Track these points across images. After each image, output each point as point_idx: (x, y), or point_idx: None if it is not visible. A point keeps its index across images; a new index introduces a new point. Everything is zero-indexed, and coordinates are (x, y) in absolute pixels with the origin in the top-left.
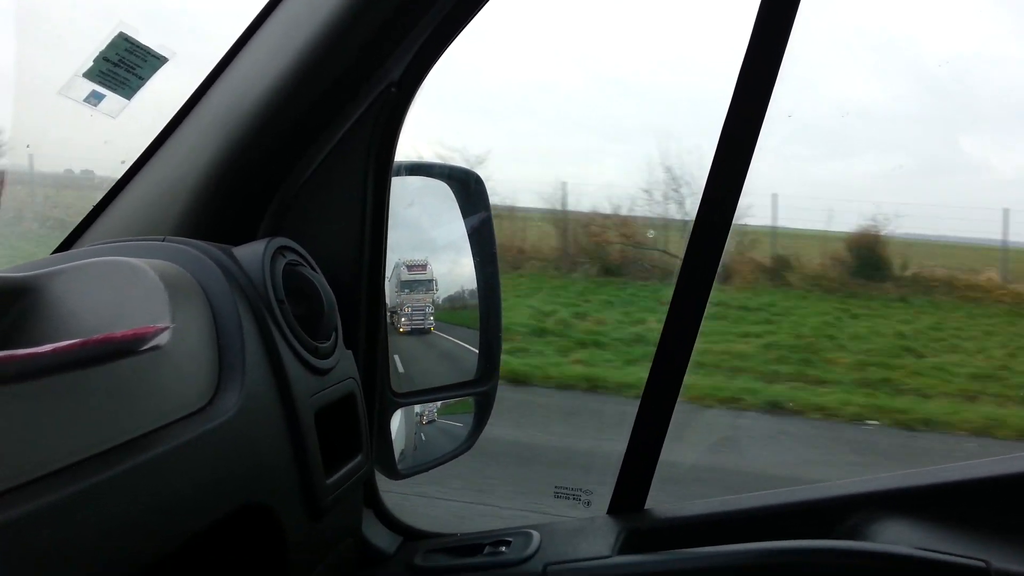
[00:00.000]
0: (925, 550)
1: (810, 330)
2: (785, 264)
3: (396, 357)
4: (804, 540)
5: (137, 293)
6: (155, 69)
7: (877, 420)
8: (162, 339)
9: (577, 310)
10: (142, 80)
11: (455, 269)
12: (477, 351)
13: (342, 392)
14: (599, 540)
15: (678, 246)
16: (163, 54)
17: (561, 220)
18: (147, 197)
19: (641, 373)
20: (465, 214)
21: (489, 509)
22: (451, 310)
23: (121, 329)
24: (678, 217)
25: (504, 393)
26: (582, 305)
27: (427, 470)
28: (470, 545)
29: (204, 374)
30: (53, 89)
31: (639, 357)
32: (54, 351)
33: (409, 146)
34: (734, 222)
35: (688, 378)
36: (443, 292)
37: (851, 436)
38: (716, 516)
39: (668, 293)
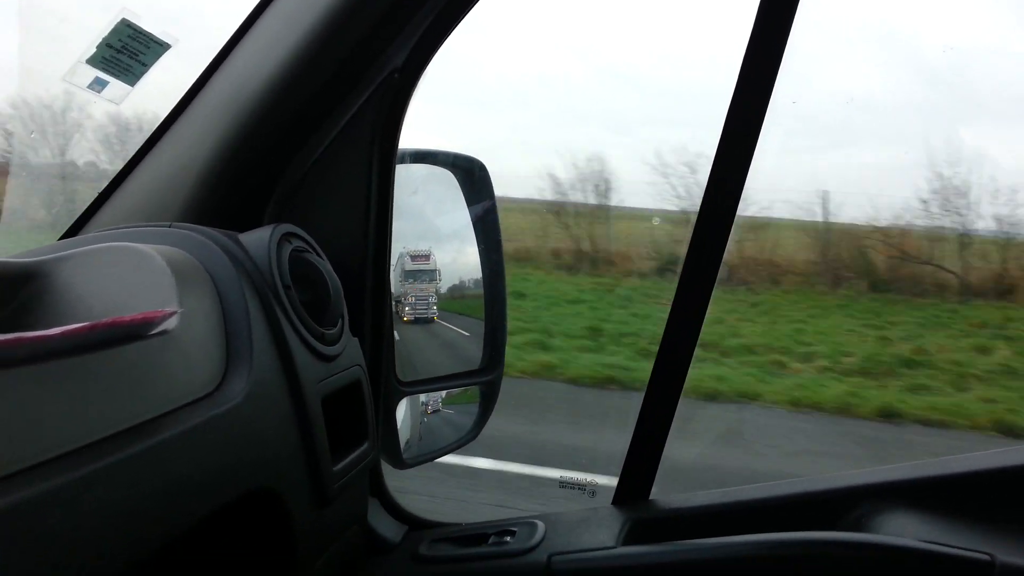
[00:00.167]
0: (929, 542)
1: None
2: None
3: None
4: (809, 532)
5: (144, 279)
6: (158, 55)
7: None
8: (170, 324)
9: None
10: (145, 66)
11: (459, 258)
12: (467, 336)
13: (349, 379)
14: (604, 530)
15: (953, 261)
16: (166, 40)
17: (816, 230)
18: (152, 184)
19: None
20: (470, 202)
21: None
22: (455, 299)
23: (127, 314)
24: (951, 227)
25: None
26: (889, 328)
27: (432, 459)
28: (475, 535)
29: (211, 360)
30: (56, 76)
31: None
32: (63, 334)
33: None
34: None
35: None
36: (447, 281)
37: None
38: (720, 507)
39: (971, 313)
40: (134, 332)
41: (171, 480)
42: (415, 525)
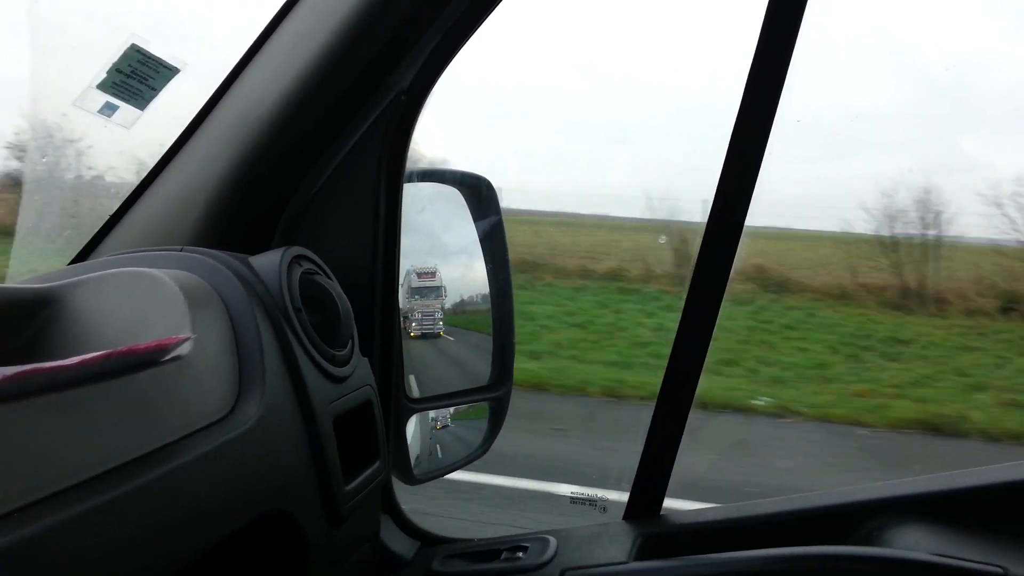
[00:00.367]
0: (942, 556)
1: None
2: None
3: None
4: (820, 546)
5: (158, 304)
6: (167, 80)
7: None
8: (183, 350)
9: None
10: (155, 91)
11: (468, 275)
12: (475, 352)
13: (360, 399)
14: (615, 546)
15: None
16: (175, 65)
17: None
18: (162, 207)
19: None
20: (477, 220)
21: None
22: (463, 316)
23: (142, 339)
24: None
25: None
26: None
27: (443, 475)
28: (487, 550)
29: (224, 384)
30: (68, 99)
31: None
32: (80, 363)
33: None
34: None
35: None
36: (455, 298)
37: None
38: (732, 522)
39: None
40: (149, 359)
41: (187, 506)
42: (427, 541)
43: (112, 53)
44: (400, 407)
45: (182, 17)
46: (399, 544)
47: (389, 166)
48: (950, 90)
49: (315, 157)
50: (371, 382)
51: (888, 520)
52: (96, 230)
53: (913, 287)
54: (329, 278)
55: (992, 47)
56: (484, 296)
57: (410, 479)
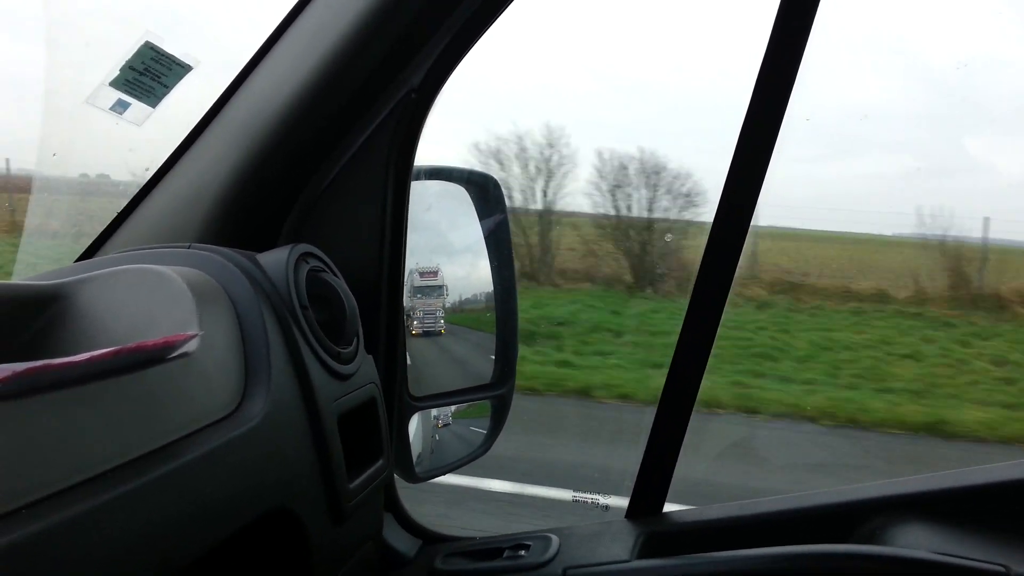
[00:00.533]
0: (943, 554)
1: None
2: None
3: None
4: (823, 544)
5: (165, 300)
6: (180, 77)
7: None
8: (191, 346)
9: None
10: (167, 88)
11: (473, 273)
12: (477, 351)
13: (364, 397)
14: (618, 544)
15: None
16: (188, 62)
17: None
18: (171, 204)
19: None
20: (483, 218)
21: None
22: (467, 314)
23: (150, 336)
24: None
25: None
26: None
27: (445, 473)
28: (489, 549)
29: (231, 381)
30: (79, 98)
31: None
32: (89, 360)
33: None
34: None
35: None
36: (460, 296)
37: None
38: (734, 520)
39: None
40: (156, 356)
41: (193, 502)
42: (429, 539)
43: (126, 50)
44: (403, 405)
45: (195, 16)
46: (401, 542)
47: (397, 164)
48: (957, 90)
49: (324, 155)
50: (375, 380)
51: (890, 518)
52: (104, 227)
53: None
54: (336, 276)
55: (999, 46)
56: (489, 294)
57: (412, 477)
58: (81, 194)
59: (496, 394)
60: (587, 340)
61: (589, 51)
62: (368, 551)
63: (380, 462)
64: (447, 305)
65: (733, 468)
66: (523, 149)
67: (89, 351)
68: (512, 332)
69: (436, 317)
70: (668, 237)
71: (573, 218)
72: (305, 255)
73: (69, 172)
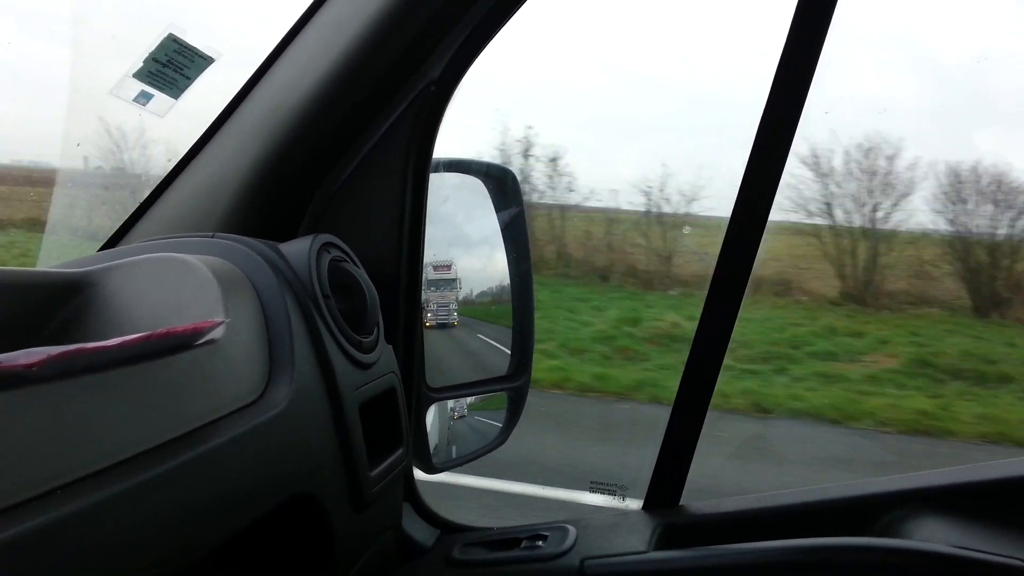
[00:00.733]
0: (962, 548)
1: None
2: None
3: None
4: (839, 537)
5: (191, 288)
6: (202, 69)
7: None
8: (217, 333)
9: None
10: (189, 80)
11: (490, 266)
12: (492, 343)
13: (384, 386)
14: (635, 535)
15: None
16: (210, 55)
17: None
18: (193, 195)
19: None
20: (500, 211)
21: None
22: (483, 307)
23: (176, 323)
24: None
25: None
26: None
27: (461, 464)
28: (507, 539)
29: (255, 368)
30: (104, 87)
31: None
32: (120, 345)
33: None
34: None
35: None
36: (476, 289)
37: None
38: (751, 512)
39: None
40: (184, 342)
41: (218, 488)
42: (447, 529)
43: (150, 42)
44: (421, 396)
45: (217, 9)
46: (419, 532)
47: (416, 157)
48: (969, 84)
49: (345, 146)
50: (395, 369)
51: (908, 512)
52: (126, 216)
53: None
54: (356, 265)
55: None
56: (505, 287)
57: (429, 468)
58: (105, 184)
59: (512, 386)
60: None
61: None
62: (387, 540)
63: (400, 451)
64: (460, 298)
65: None
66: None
67: (118, 337)
68: (529, 324)
69: (450, 310)
70: None
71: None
72: (327, 245)
73: (90, 165)
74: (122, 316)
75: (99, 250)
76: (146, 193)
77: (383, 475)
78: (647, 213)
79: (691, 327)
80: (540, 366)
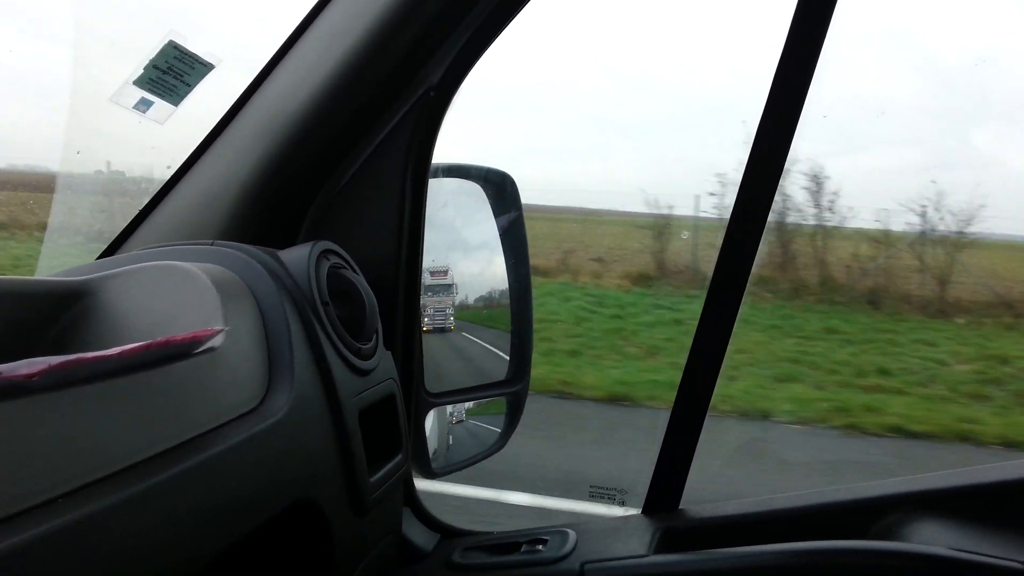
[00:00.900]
0: (960, 551)
1: None
2: None
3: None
4: (839, 540)
5: (190, 297)
6: (202, 76)
7: None
8: (216, 341)
9: None
10: (189, 87)
11: (488, 270)
12: (487, 346)
13: (383, 392)
14: (635, 539)
15: None
16: (210, 61)
17: None
18: (192, 202)
19: None
20: (499, 216)
21: None
22: (482, 311)
23: (175, 332)
24: None
25: None
26: None
27: (460, 469)
28: (507, 543)
29: (255, 375)
30: (105, 94)
31: None
32: (120, 354)
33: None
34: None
35: None
36: (475, 294)
37: None
38: (751, 516)
39: None
40: (184, 350)
41: (219, 495)
42: (447, 534)
43: (150, 49)
44: (420, 401)
45: (217, 14)
46: (420, 536)
47: (415, 162)
48: (968, 85)
49: (344, 153)
50: (394, 375)
51: (907, 515)
52: (126, 224)
53: None
54: (355, 272)
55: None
56: (503, 292)
57: (429, 473)
58: (102, 192)
59: (511, 391)
60: None
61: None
62: (387, 545)
63: (399, 456)
64: (457, 303)
65: None
66: None
67: (118, 346)
68: (527, 329)
69: (446, 314)
70: None
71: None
72: (326, 252)
73: (89, 169)
74: (122, 325)
75: (98, 257)
76: (145, 200)
77: (383, 481)
78: (922, 233)
79: None
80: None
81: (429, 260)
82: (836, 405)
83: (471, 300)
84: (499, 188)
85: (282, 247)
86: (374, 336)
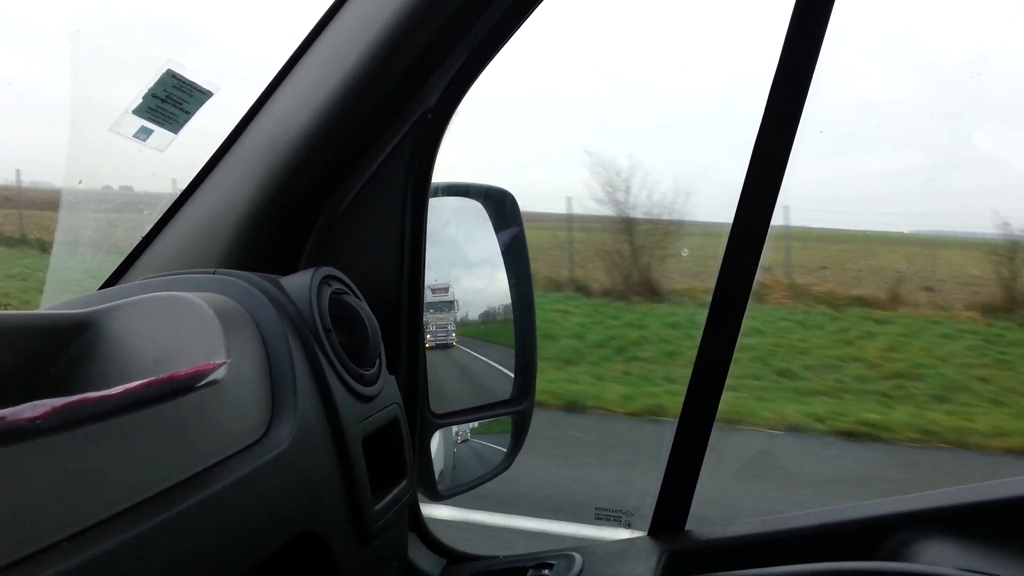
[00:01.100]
0: (968, 571)
1: None
2: None
3: None
4: (847, 561)
5: (194, 328)
6: (201, 103)
7: None
8: (219, 374)
9: None
10: (188, 114)
11: (490, 288)
12: (491, 362)
13: (387, 418)
14: (641, 562)
15: None
16: (209, 89)
17: None
18: (194, 229)
19: None
20: (500, 232)
21: None
22: (485, 327)
23: (179, 363)
24: None
25: None
26: None
27: (467, 490)
28: (513, 568)
29: (258, 406)
30: (107, 123)
31: None
32: (123, 392)
33: None
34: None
35: None
36: (477, 310)
37: None
38: (757, 537)
39: None
40: (186, 385)
41: (225, 529)
42: (453, 558)
43: (149, 78)
44: (425, 422)
45: (217, 41)
46: (426, 562)
47: (415, 184)
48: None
49: (343, 176)
50: (398, 400)
51: (915, 534)
52: (129, 251)
53: None
54: (358, 297)
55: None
56: (506, 308)
57: (435, 495)
58: (109, 218)
59: (516, 410)
60: None
61: None
62: (393, 571)
63: (404, 483)
64: (459, 319)
65: None
66: None
67: (121, 381)
68: (531, 346)
69: (448, 331)
70: None
71: None
72: (327, 278)
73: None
74: (126, 357)
75: (101, 287)
76: (147, 228)
77: (387, 508)
78: None
79: None
80: None
81: (431, 278)
82: None
83: (473, 316)
84: (499, 205)
85: (285, 272)
86: (377, 361)
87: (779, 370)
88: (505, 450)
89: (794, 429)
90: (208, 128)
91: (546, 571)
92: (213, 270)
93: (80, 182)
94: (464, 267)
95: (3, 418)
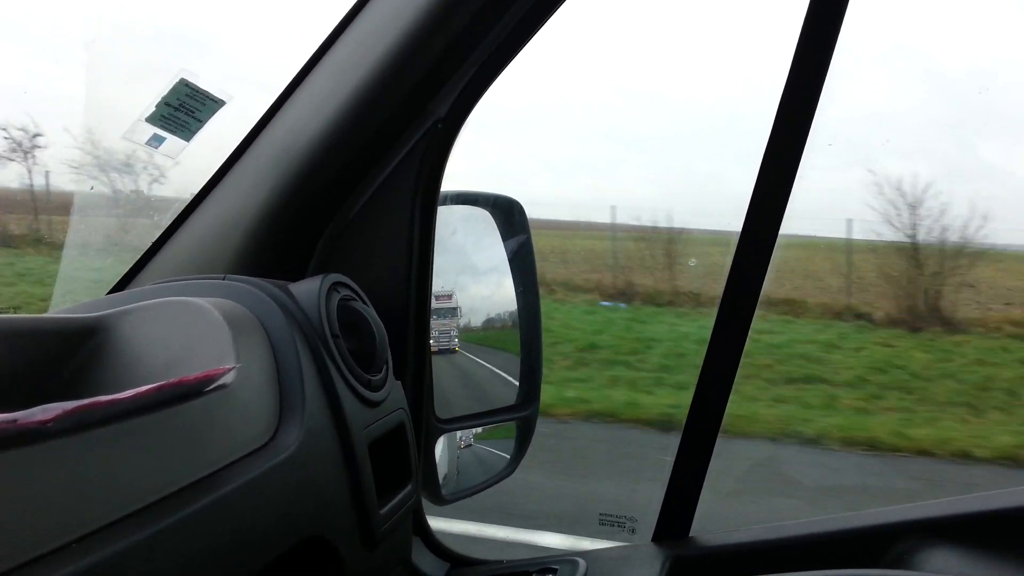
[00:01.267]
0: None
1: None
2: None
3: None
4: (851, 569)
5: (203, 333)
6: (213, 112)
7: None
8: (228, 379)
9: None
10: (200, 123)
11: (497, 296)
12: (495, 369)
13: (393, 423)
14: (644, 568)
15: None
16: (221, 97)
17: None
18: (204, 235)
19: None
20: (507, 241)
21: None
22: (491, 335)
23: (188, 368)
24: None
25: None
26: None
27: (471, 495)
28: (516, 572)
29: (266, 411)
30: (119, 129)
31: None
32: (134, 396)
33: None
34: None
35: None
36: (485, 317)
37: None
38: (761, 544)
39: None
40: (196, 389)
41: (233, 533)
42: (457, 563)
43: (162, 86)
44: (430, 428)
45: (227, 50)
46: (429, 566)
47: (424, 193)
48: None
49: (353, 185)
50: (404, 405)
51: (920, 542)
52: (138, 257)
53: None
54: (365, 304)
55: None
56: (512, 315)
57: (439, 500)
58: (119, 224)
59: (521, 416)
60: None
61: None
62: (397, 575)
63: (409, 487)
64: (461, 325)
65: None
66: None
67: (131, 385)
68: (537, 353)
69: (450, 336)
70: None
71: None
72: (336, 284)
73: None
74: (135, 361)
75: (110, 291)
76: (158, 233)
77: (392, 512)
78: None
79: None
80: None
81: (438, 284)
82: None
83: (478, 323)
84: (507, 214)
85: (294, 278)
86: (384, 367)
87: None
88: (509, 456)
89: None
90: (220, 134)
91: (550, 575)
92: (223, 276)
93: (91, 188)
94: (472, 274)
95: (15, 421)
